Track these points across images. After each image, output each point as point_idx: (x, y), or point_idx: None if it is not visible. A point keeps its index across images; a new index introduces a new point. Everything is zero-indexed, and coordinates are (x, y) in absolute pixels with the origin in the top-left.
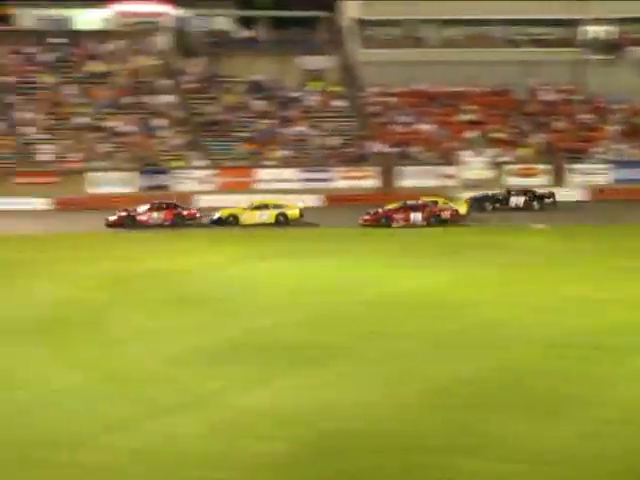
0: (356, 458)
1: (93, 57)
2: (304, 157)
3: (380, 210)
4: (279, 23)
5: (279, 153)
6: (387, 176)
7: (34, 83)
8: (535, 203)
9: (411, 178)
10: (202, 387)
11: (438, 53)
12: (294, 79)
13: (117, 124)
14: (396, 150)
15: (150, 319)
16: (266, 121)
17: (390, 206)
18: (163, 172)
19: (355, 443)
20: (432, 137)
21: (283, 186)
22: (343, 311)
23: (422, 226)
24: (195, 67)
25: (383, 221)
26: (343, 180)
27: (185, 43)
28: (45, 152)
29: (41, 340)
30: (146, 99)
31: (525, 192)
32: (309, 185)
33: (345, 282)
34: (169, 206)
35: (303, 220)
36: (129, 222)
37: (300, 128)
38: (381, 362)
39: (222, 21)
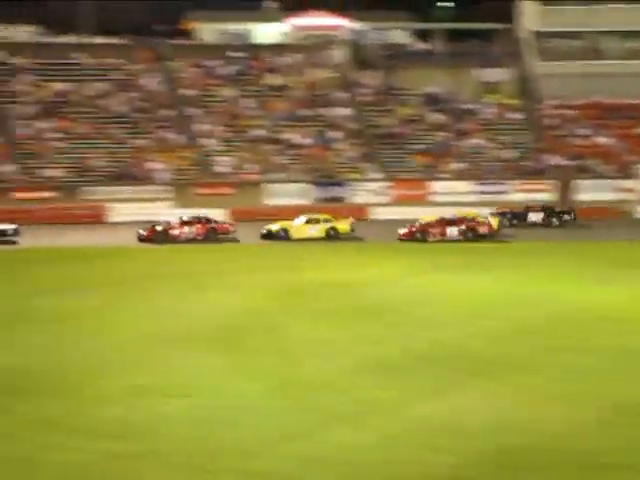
0: (533, 472)
1: (271, 70)
2: (479, 170)
3: (416, 224)
4: (456, 35)
5: (454, 165)
6: (564, 189)
7: (214, 96)
8: (554, 219)
9: (588, 192)
10: (377, 397)
11: (618, 65)
12: (470, 91)
13: (293, 136)
14: (573, 163)
15: (326, 329)
16: (441, 133)
17: (426, 220)
18: (338, 184)
19: (532, 457)
20: (611, 150)
21: (457, 199)
22: (521, 325)
23: (458, 241)
24: (371, 79)
25: (418, 236)
26: (519, 193)
27: (361, 56)
28: (223, 164)
29: (218, 349)
30: (322, 111)
31: (543, 208)
32: (484, 198)
33: (518, 296)
34: (201, 220)
35: (352, 234)
36: (161, 237)
37: (476, 140)
38: (561, 377)
39: (398, 34)
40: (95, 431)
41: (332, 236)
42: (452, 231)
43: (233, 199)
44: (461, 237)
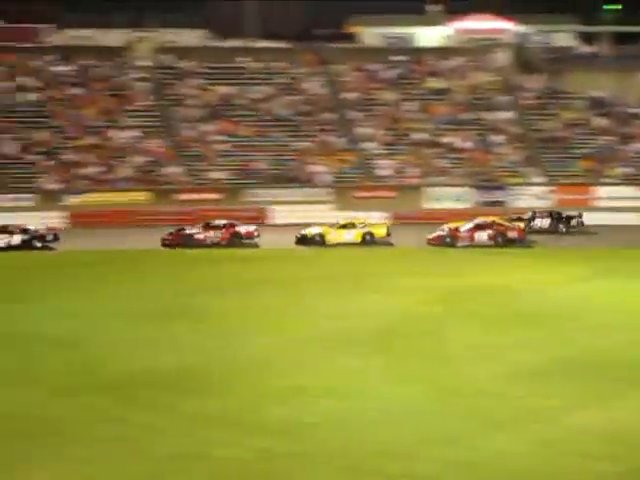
0: None
1: (433, 74)
2: None
3: (445, 229)
4: (622, 38)
5: (619, 170)
6: None
7: (375, 99)
8: (561, 225)
9: None
10: (533, 404)
11: None
12: (636, 95)
13: (455, 140)
14: None
15: (483, 334)
16: (606, 138)
17: (454, 225)
18: (500, 188)
19: None
20: None
21: (623, 204)
22: None
23: (489, 246)
24: (534, 83)
25: (447, 240)
26: None
27: (525, 59)
28: (384, 167)
29: (374, 352)
30: (484, 115)
31: (550, 214)
32: None
33: None
34: (226, 225)
35: (388, 239)
36: (186, 241)
37: None
38: None
39: (563, 37)
40: (252, 429)
41: (368, 241)
42: (481, 236)
43: (393, 202)
44: (491, 242)
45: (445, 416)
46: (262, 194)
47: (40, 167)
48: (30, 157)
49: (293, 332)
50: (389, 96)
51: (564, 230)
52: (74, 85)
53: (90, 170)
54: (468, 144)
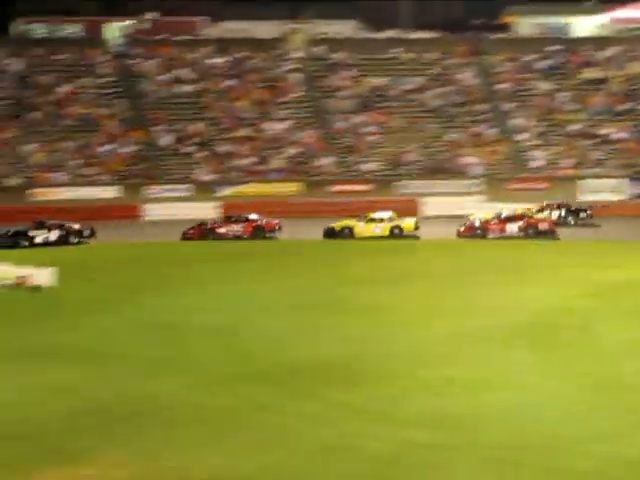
0: None
1: (589, 64)
2: None
3: (475, 221)
4: None
5: None
6: None
7: (529, 90)
8: (570, 218)
9: None
10: None
11: None
12: None
13: (610, 131)
14: None
15: (637, 329)
16: None
17: (485, 216)
18: None
19: None
20: None
21: None
22: None
23: (518, 238)
24: None
25: (478, 232)
26: None
27: None
28: (537, 158)
29: (525, 345)
30: None
31: (559, 206)
32: None
33: None
34: (248, 218)
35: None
36: (207, 234)
37: None
38: None
39: None
40: (407, 421)
41: (396, 234)
42: (512, 227)
43: (546, 194)
44: (521, 234)
45: (595, 411)
46: (413, 185)
47: (195, 158)
48: (185, 148)
49: (451, 324)
50: (543, 86)
51: (572, 223)
52: (228, 77)
53: (243, 161)
54: (624, 135)
